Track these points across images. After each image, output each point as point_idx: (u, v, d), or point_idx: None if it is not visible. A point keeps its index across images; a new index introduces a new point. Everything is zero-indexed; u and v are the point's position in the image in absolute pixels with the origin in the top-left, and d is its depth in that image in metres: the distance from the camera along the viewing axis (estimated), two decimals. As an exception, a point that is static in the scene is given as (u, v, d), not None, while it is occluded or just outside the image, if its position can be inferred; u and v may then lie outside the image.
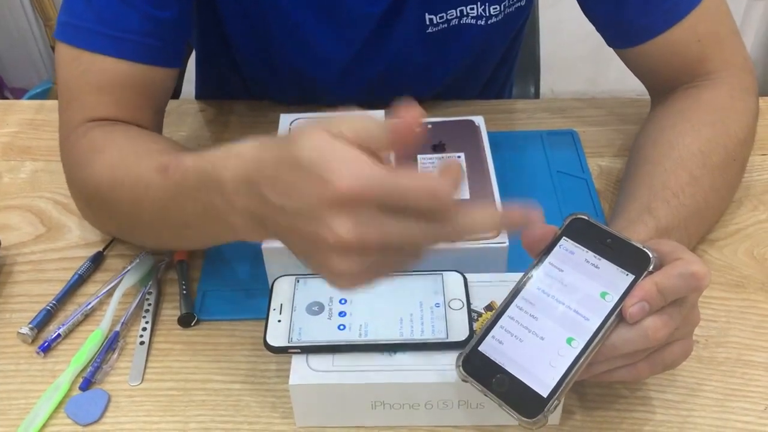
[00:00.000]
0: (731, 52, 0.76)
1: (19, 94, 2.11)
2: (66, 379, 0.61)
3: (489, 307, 0.59)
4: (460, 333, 0.56)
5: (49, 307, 0.67)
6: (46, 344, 0.64)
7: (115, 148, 0.65)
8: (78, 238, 0.75)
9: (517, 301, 0.53)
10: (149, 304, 0.67)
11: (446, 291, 0.59)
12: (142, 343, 0.64)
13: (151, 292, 0.68)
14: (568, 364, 0.50)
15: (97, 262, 0.72)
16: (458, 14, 0.80)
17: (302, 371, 0.55)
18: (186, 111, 0.91)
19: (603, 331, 0.50)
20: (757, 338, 0.64)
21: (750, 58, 0.78)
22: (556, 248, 0.54)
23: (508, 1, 0.81)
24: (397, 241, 0.44)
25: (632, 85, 0.84)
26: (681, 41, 0.74)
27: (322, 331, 0.57)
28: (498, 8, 0.80)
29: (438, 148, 0.73)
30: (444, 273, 0.61)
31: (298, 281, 0.61)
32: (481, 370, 0.51)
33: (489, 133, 0.75)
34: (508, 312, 0.52)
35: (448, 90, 0.91)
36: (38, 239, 0.75)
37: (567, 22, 1.18)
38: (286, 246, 0.49)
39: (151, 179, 0.59)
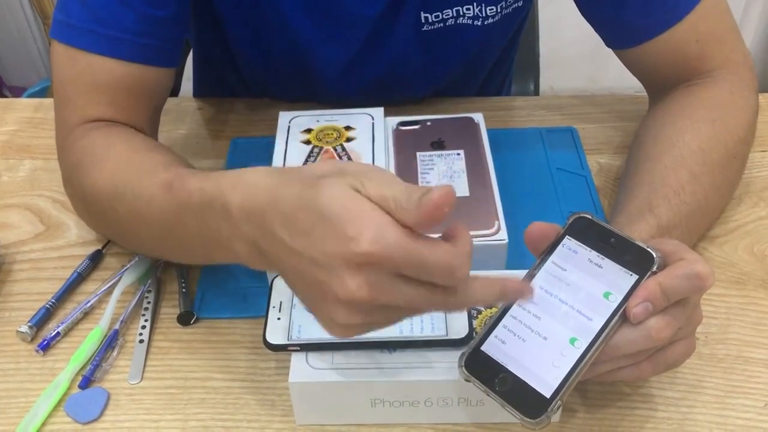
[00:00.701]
0: (731, 50, 0.76)
1: (17, 92, 2.12)
2: (65, 378, 0.61)
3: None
4: (459, 330, 0.56)
5: (48, 306, 0.67)
6: (45, 342, 0.64)
7: (114, 156, 0.65)
8: (77, 236, 0.75)
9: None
10: (148, 303, 0.67)
11: (446, 288, 0.59)
12: (141, 341, 0.64)
13: (150, 291, 0.68)
14: (572, 364, 0.50)
15: (96, 260, 0.72)
16: (454, 14, 0.79)
17: (302, 369, 0.55)
18: (185, 109, 0.91)
19: (606, 331, 0.50)
20: (757, 335, 0.64)
21: (750, 55, 0.78)
22: (560, 247, 0.54)
23: (505, 2, 0.80)
24: (404, 305, 0.45)
25: (632, 83, 0.84)
26: (681, 40, 0.74)
27: (321, 329, 0.56)
28: (495, 9, 0.80)
29: (437, 145, 0.73)
30: (444, 270, 0.60)
31: (297, 279, 0.60)
32: (484, 370, 0.51)
33: (488, 131, 0.75)
34: (511, 311, 0.52)
35: (447, 89, 0.91)
36: (37, 238, 0.75)
37: (566, 20, 1.17)
38: (286, 282, 0.49)
39: (153, 194, 0.58)
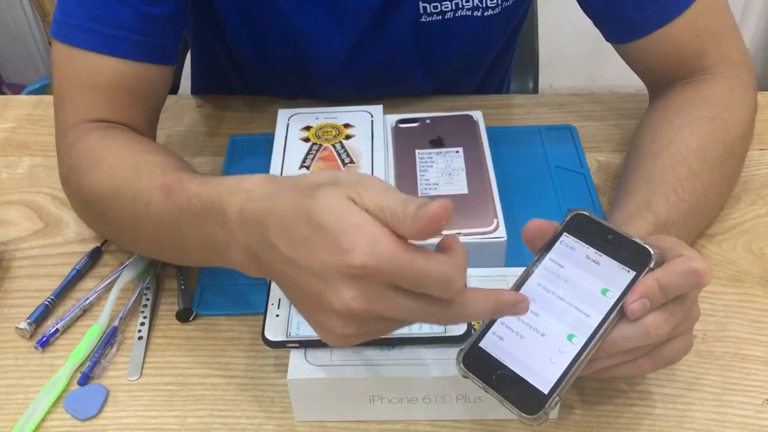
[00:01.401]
0: (730, 47, 0.76)
1: (17, 90, 2.12)
2: (64, 374, 0.61)
3: (487, 302, 0.59)
4: (457, 327, 0.56)
5: (47, 302, 0.67)
6: (44, 339, 0.64)
7: (113, 157, 0.65)
8: (76, 233, 0.75)
9: None
10: (147, 299, 0.67)
11: (444, 286, 0.59)
12: (140, 338, 0.64)
13: (149, 288, 0.68)
14: (569, 360, 0.50)
15: (95, 257, 0.72)
16: (453, 6, 0.80)
17: (300, 366, 0.55)
18: (183, 106, 0.91)
19: (604, 327, 0.50)
20: (755, 332, 0.64)
21: (749, 53, 0.78)
22: (557, 244, 0.54)
23: None
24: (399, 316, 0.45)
25: (631, 81, 0.84)
26: (680, 36, 0.74)
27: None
28: (495, 0, 0.80)
29: (436, 143, 0.73)
30: (442, 268, 0.60)
31: (296, 276, 0.61)
32: (482, 367, 0.51)
33: (487, 128, 0.75)
34: None
35: (446, 84, 0.91)
36: (36, 234, 0.75)
37: (566, 18, 1.18)
38: (282, 290, 0.49)
39: (152, 197, 0.59)
